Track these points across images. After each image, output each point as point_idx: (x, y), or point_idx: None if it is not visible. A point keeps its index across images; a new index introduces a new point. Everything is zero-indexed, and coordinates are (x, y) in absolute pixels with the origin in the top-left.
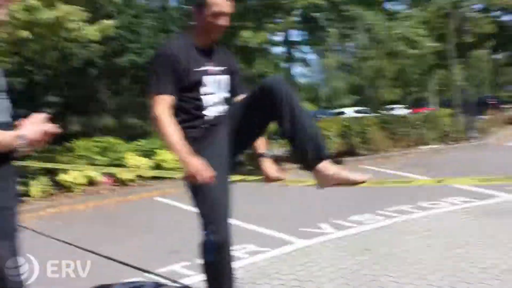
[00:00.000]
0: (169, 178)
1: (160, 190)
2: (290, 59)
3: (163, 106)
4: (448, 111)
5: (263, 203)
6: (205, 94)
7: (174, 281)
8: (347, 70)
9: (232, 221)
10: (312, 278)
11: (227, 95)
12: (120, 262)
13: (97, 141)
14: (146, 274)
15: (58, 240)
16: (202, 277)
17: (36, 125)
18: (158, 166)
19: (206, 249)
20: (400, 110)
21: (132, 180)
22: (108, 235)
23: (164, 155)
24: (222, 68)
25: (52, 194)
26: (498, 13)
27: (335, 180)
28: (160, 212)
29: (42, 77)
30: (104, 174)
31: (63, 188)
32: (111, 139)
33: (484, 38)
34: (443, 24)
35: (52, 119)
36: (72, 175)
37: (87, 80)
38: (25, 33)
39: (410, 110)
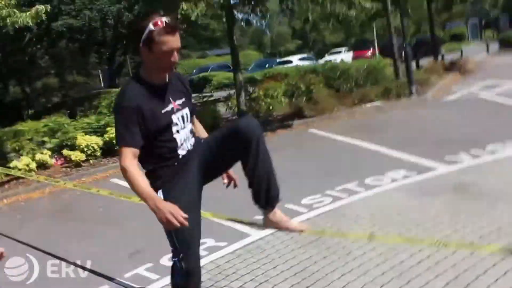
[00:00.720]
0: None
1: (114, 169)
2: (231, 20)
3: (129, 157)
4: (388, 60)
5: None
6: (177, 132)
7: None
8: (290, 15)
9: None
10: (268, 278)
11: (191, 125)
12: (85, 269)
13: (45, 124)
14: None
15: (21, 242)
16: (168, 280)
17: None
18: (108, 143)
19: (175, 274)
20: (343, 54)
21: (85, 161)
22: (68, 230)
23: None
24: (182, 100)
25: (5, 182)
26: None
27: (278, 227)
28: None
29: None
30: (54, 155)
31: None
32: (59, 119)
33: None
34: None
35: None
36: (24, 161)
37: (24, 45)
38: None
39: (352, 54)
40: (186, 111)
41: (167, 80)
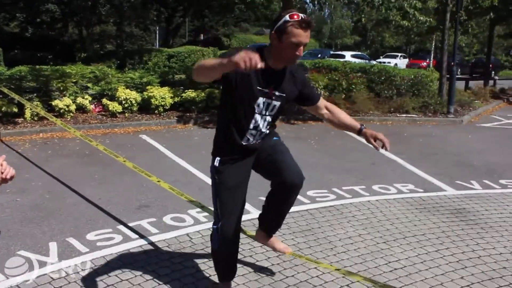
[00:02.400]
0: (157, 113)
1: (146, 125)
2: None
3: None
4: (436, 74)
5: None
6: (257, 113)
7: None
8: (353, 9)
9: None
10: (253, 254)
11: (272, 119)
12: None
13: (92, 70)
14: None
15: (48, 173)
16: (165, 236)
17: None
18: (146, 101)
19: (213, 239)
20: (398, 60)
21: (121, 113)
22: (90, 173)
23: (154, 91)
24: (280, 94)
25: (44, 118)
26: None
27: (266, 245)
28: (141, 154)
29: None
30: (94, 102)
31: (55, 113)
32: (105, 68)
33: (484, 11)
34: None
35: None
36: (65, 101)
37: None
38: None
39: (408, 61)
40: (275, 103)
41: (281, 69)
